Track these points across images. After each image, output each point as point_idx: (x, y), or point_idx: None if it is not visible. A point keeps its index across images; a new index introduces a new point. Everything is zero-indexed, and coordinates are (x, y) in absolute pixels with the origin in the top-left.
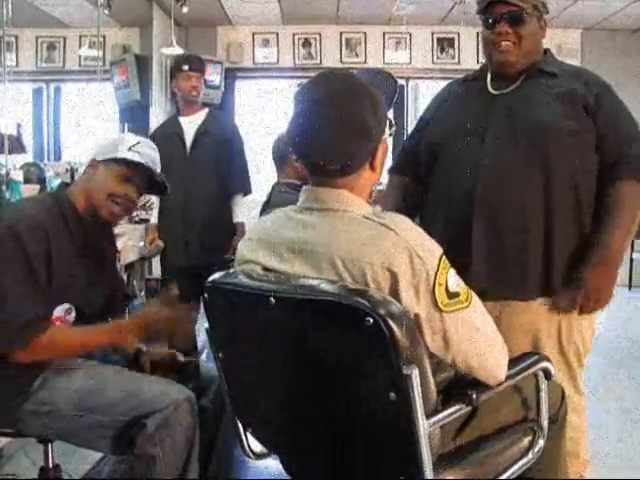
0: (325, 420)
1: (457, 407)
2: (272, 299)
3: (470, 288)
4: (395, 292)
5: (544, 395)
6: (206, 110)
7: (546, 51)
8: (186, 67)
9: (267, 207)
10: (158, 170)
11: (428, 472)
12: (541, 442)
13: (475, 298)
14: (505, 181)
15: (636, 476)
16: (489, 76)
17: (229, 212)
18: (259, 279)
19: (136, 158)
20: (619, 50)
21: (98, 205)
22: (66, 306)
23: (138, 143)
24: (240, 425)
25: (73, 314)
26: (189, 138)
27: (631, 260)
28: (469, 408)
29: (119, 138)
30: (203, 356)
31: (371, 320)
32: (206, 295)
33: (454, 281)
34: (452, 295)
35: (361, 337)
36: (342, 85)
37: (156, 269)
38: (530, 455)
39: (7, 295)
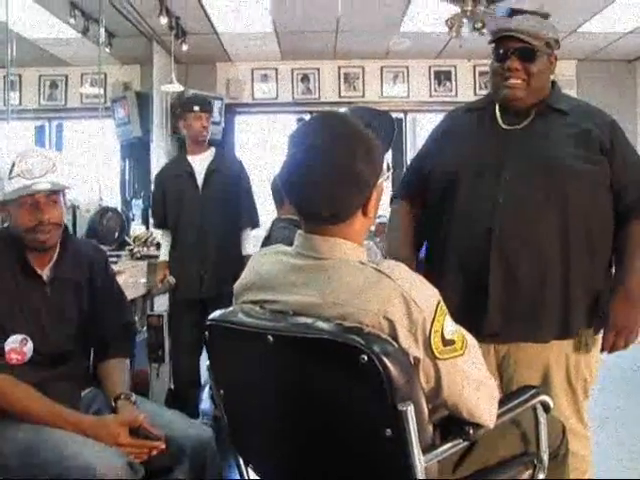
0: (322, 455)
1: (454, 442)
2: (270, 337)
3: (482, 331)
4: (394, 338)
5: (543, 428)
6: (213, 149)
7: (554, 84)
8: (197, 108)
9: (268, 242)
10: (55, 169)
11: None
12: (541, 476)
13: (470, 344)
14: (522, 221)
15: None
16: (497, 109)
17: (239, 245)
18: (257, 317)
19: (18, 185)
20: (614, 80)
21: (26, 241)
22: (19, 337)
23: (13, 165)
24: (241, 460)
25: (29, 345)
26: (200, 176)
27: None
28: (466, 443)
29: None
30: (205, 392)
31: (365, 357)
32: (207, 333)
33: (450, 328)
34: (447, 342)
35: (356, 374)
36: (336, 132)
37: (159, 305)
38: None
39: None
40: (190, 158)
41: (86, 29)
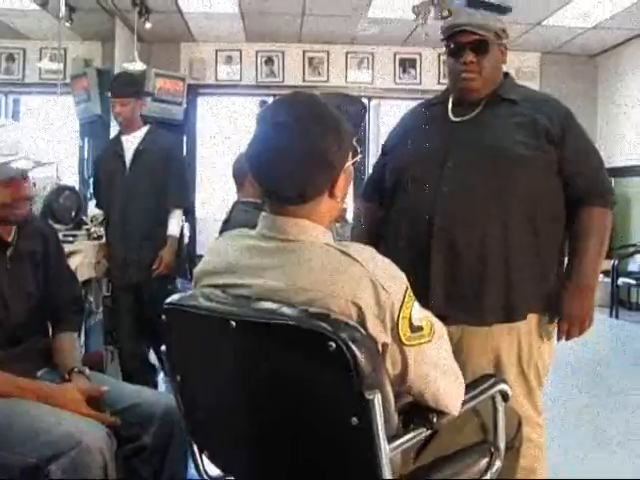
0: (286, 444)
1: (419, 431)
2: (232, 322)
3: (431, 312)
4: (362, 324)
5: (501, 417)
6: (146, 128)
7: (506, 75)
8: (109, 94)
9: (227, 225)
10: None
11: None
12: (498, 463)
13: (439, 331)
14: (463, 209)
15: None
16: (450, 102)
17: (165, 227)
18: (219, 301)
19: None
20: (576, 74)
21: (4, 217)
22: None
23: None
24: (196, 448)
25: None
26: (128, 156)
27: None
28: (429, 432)
29: None
30: (160, 376)
31: (334, 345)
32: (164, 317)
33: (418, 315)
34: (415, 329)
35: (323, 362)
36: (305, 110)
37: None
38: (488, 476)
39: None
40: (123, 138)
41: (46, 2)
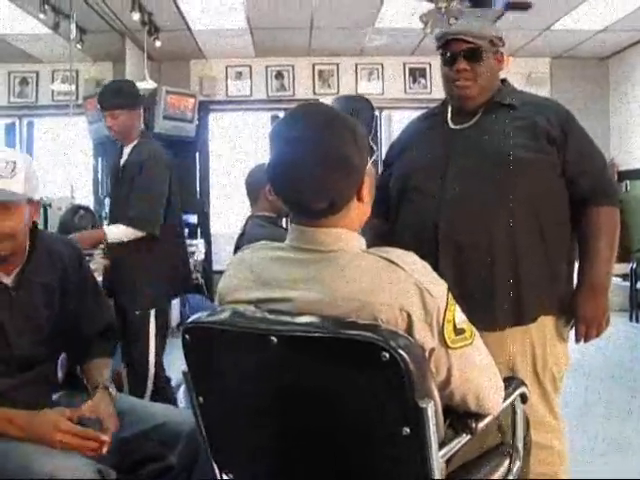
0: (327, 460)
1: (462, 437)
2: (273, 338)
3: None
4: (409, 331)
5: (519, 418)
6: (136, 141)
7: (503, 81)
8: (99, 106)
9: (242, 240)
10: (14, 174)
11: None
12: (518, 463)
13: (477, 334)
14: (467, 216)
15: None
16: (449, 110)
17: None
18: (255, 317)
19: None
20: (587, 78)
21: None
22: None
23: None
24: (217, 470)
25: None
26: (119, 172)
27: None
28: (469, 437)
29: None
30: (180, 393)
31: (387, 355)
32: (187, 336)
33: (461, 317)
34: (459, 332)
35: (374, 373)
36: (320, 120)
37: None
38: (510, 477)
39: None
40: (124, 150)
41: (57, 25)
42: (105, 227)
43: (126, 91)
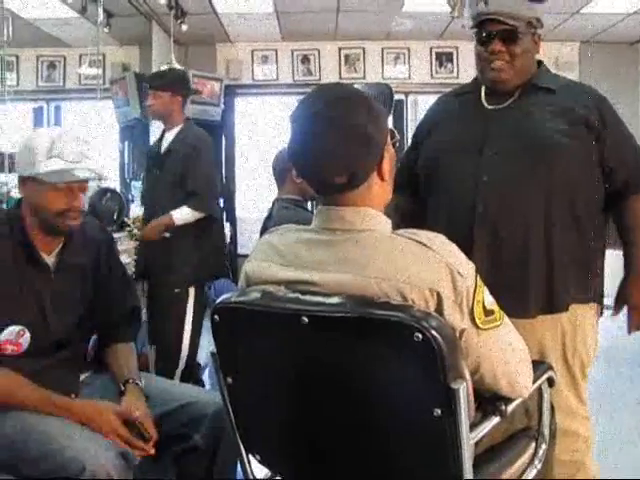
0: (356, 442)
1: (492, 419)
2: (305, 318)
3: None
4: (439, 312)
5: (546, 403)
6: (180, 126)
7: (540, 63)
8: (147, 85)
9: (269, 223)
10: (90, 155)
11: None
12: (544, 447)
13: (505, 316)
14: (505, 198)
15: None
16: (483, 90)
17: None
18: (286, 298)
19: (57, 166)
20: (617, 63)
21: (52, 224)
22: (16, 328)
23: (53, 143)
24: (244, 451)
25: (27, 336)
26: (161, 155)
27: None
28: (498, 419)
29: (31, 144)
30: (205, 374)
31: (420, 336)
32: (216, 317)
33: (489, 298)
34: (488, 312)
35: (407, 354)
36: (336, 96)
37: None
38: (536, 461)
39: None
40: (165, 134)
41: (84, 9)
42: (172, 212)
43: (171, 76)
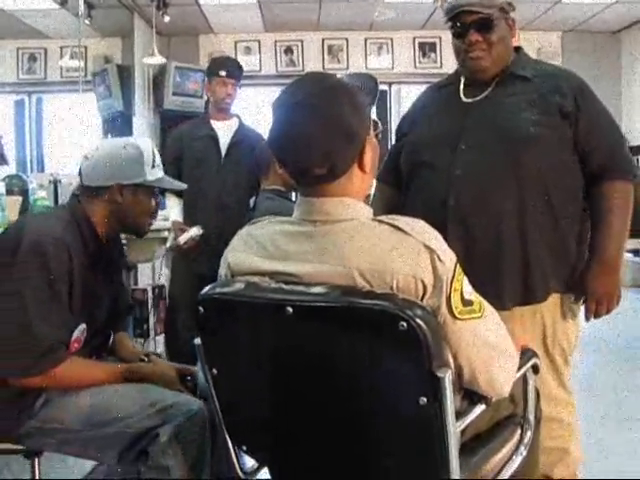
0: (343, 431)
1: (477, 407)
2: (289, 308)
3: None
4: (421, 299)
5: (531, 389)
6: (236, 119)
7: (518, 49)
8: (223, 73)
9: (252, 214)
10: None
11: (456, 475)
12: (529, 433)
13: (489, 310)
14: (477, 192)
15: (632, 468)
16: (462, 82)
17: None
18: (270, 289)
19: (160, 174)
20: (599, 52)
21: (139, 226)
22: (82, 327)
23: (154, 153)
24: (230, 443)
25: (85, 332)
26: (224, 143)
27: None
28: (484, 406)
29: (137, 154)
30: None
31: (405, 324)
32: (201, 308)
33: (468, 289)
34: (466, 303)
35: (392, 343)
36: (319, 86)
37: (143, 279)
38: (522, 448)
39: (31, 318)
40: (214, 123)
41: (65, 0)
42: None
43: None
